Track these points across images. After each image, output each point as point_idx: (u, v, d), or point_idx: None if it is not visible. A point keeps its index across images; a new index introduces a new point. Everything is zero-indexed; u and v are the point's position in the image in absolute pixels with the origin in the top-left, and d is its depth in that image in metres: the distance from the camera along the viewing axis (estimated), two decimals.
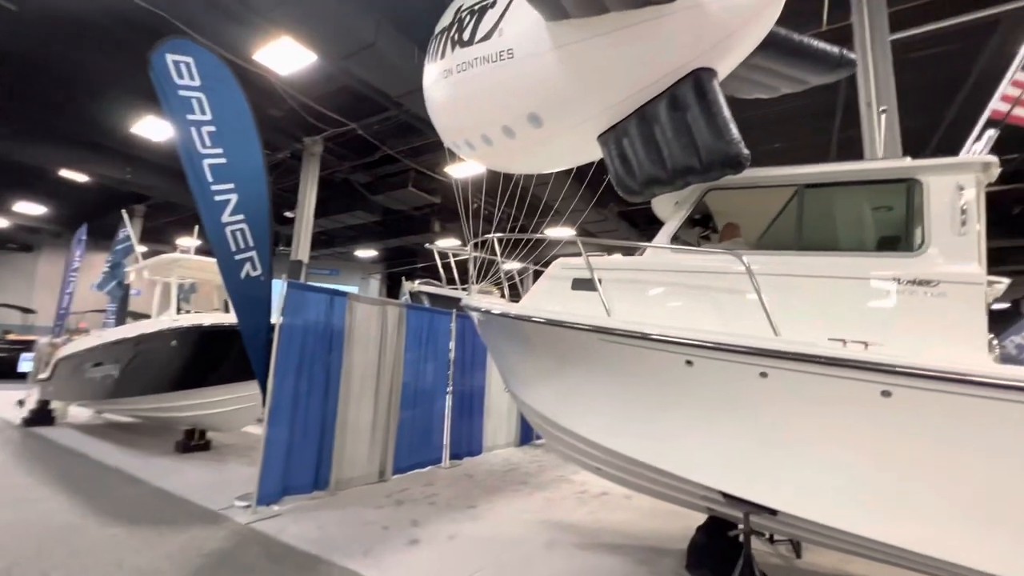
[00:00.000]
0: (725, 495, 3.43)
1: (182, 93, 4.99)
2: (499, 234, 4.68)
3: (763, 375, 3.14)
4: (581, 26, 3.77)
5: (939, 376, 2.70)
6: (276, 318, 5.51)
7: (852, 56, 4.09)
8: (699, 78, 3.61)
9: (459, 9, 4.75)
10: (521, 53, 4.11)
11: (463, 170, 13.64)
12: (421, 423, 7.29)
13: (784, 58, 4.04)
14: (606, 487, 6.79)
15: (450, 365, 7.95)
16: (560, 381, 4.25)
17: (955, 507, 2.73)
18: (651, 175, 3.82)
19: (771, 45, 3.80)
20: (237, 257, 5.40)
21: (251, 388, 6.62)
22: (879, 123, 5.60)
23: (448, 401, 7.90)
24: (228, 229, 5.32)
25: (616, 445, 3.84)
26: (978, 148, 4.00)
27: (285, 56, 8.95)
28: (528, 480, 7.08)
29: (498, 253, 5.56)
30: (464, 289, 5.93)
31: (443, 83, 5.02)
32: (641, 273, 4.02)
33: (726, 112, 3.56)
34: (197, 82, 5.07)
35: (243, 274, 5.44)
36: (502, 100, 4.45)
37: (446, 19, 5.00)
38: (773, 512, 3.28)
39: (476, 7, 4.48)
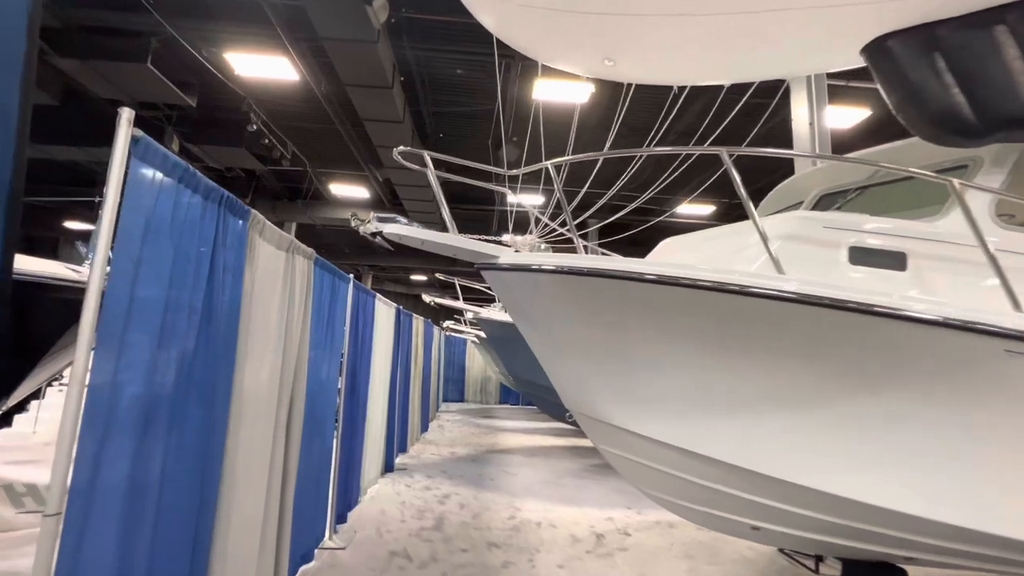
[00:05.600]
0: None
1: None
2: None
3: None
4: None
5: None
6: None
7: None
8: None
9: None
10: None
11: (260, 68, 9.08)
12: (313, 471, 3.96)
13: None
14: (612, 526, 5.18)
15: (342, 365, 4.72)
16: (869, 410, 2.63)
17: None
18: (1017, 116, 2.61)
19: None
20: None
21: None
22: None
23: (339, 426, 4.68)
24: None
25: (932, 511, 2.62)
26: None
27: None
28: (506, 542, 4.74)
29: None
30: (502, 242, 3.37)
31: None
32: (956, 249, 2.74)
33: None
34: None
35: None
36: None
37: None
38: None
39: None
